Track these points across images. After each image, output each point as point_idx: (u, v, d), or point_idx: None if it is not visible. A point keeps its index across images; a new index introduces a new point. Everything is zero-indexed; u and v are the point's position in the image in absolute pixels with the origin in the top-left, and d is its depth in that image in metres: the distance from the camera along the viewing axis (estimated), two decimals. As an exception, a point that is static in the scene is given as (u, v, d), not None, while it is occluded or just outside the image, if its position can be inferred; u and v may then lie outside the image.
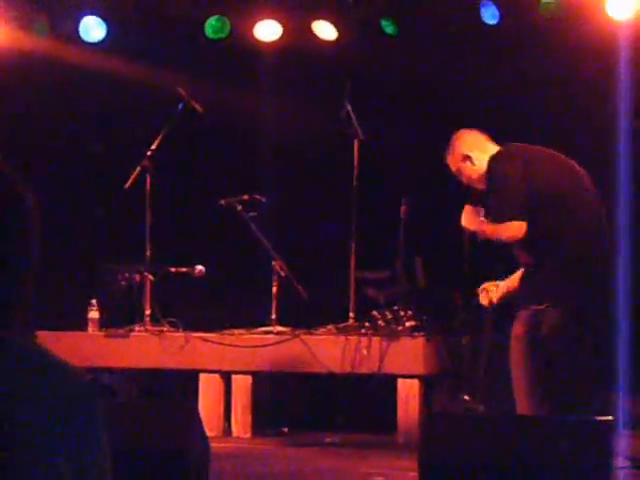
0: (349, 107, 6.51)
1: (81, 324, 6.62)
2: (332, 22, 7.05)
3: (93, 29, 7.21)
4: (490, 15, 6.84)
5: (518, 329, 4.96)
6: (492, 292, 5.28)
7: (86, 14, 7.20)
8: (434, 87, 7.14)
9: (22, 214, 1.49)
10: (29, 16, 7.21)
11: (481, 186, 5.13)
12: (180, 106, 6.53)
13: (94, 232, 7.48)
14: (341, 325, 6.39)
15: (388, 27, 7.03)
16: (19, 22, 7.16)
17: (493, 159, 5.10)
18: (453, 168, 5.22)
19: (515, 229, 4.99)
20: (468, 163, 5.15)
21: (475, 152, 5.15)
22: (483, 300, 5.34)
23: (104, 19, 7.22)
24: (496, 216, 5.05)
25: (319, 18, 7.06)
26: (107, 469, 1.49)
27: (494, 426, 3.68)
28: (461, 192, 6.97)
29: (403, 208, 6.74)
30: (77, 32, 7.22)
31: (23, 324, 1.50)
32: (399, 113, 7.24)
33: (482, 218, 5.15)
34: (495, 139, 5.25)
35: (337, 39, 7.06)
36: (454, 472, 3.60)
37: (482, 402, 5.67)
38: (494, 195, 5.06)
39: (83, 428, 1.44)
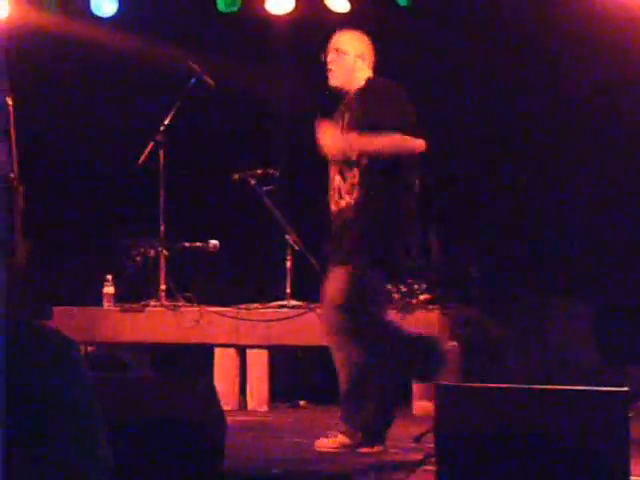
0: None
1: (97, 299, 6.65)
2: (345, -5, 7.02)
3: (105, 4, 7.20)
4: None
5: None
6: None
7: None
8: (447, 59, 7.11)
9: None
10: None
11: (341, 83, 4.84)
12: (192, 80, 6.52)
13: (109, 208, 7.49)
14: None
15: (401, -1, 7.00)
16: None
17: (386, 82, 4.88)
18: (338, 45, 4.89)
19: (421, 144, 4.73)
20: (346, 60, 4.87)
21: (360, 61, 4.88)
22: None
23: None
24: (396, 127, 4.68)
25: (332, -9, 7.03)
26: (93, 428, 1.49)
27: (508, 397, 3.69)
28: (484, 166, 6.99)
29: (418, 181, 6.72)
30: (89, 7, 7.22)
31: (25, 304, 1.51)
32: (411, 85, 7.21)
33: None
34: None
35: (350, 11, 7.02)
36: (470, 443, 3.60)
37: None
38: (394, 106, 4.77)
39: (63, 373, 1.45)
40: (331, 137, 4.77)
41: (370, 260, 4.71)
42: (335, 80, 4.87)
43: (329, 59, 4.86)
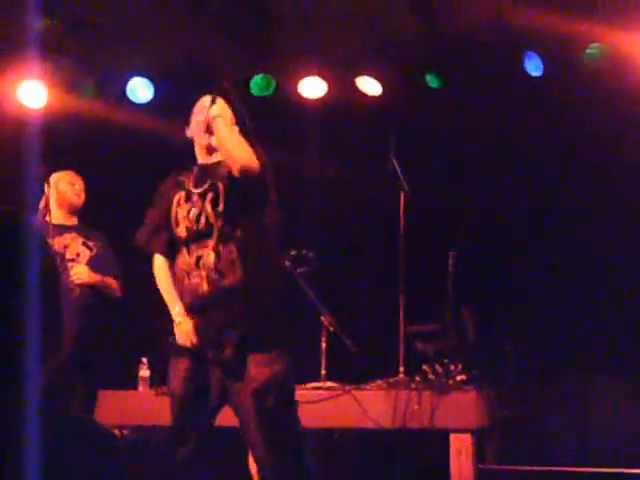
0: (394, 161, 6.53)
1: (132, 382, 6.66)
2: (376, 77, 7.10)
3: (140, 90, 7.31)
4: (534, 67, 6.85)
5: None
6: None
7: (133, 75, 7.32)
8: (479, 139, 7.15)
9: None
10: (76, 79, 7.34)
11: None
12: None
13: (145, 295, 7.52)
14: (391, 380, 6.35)
15: (433, 81, 7.07)
16: (67, 85, 7.29)
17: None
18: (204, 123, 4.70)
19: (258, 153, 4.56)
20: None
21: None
22: None
23: (151, 80, 7.33)
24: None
25: (363, 74, 7.12)
26: None
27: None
28: (506, 244, 6.99)
29: (451, 260, 6.73)
30: (124, 93, 7.33)
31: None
32: (444, 165, 7.25)
33: None
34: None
35: (382, 94, 7.10)
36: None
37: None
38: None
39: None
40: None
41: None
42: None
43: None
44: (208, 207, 4.50)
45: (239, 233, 4.43)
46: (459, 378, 6.17)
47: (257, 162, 4.44)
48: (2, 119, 7.20)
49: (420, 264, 6.76)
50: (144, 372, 6.65)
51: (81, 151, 7.39)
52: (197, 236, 4.49)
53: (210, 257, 4.43)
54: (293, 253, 6.55)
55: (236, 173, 4.41)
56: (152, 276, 7.44)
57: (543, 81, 6.87)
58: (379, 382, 6.35)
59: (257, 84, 7.28)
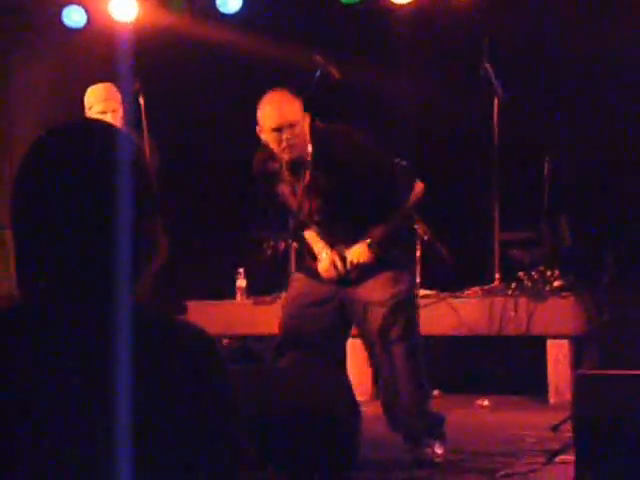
0: (487, 66, 6.42)
1: (230, 293, 6.75)
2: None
3: (230, 1, 7.29)
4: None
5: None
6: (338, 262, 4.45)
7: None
8: (575, 45, 6.97)
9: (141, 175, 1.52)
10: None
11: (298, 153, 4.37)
12: (317, 73, 6.54)
13: (239, 203, 7.58)
14: (487, 287, 6.34)
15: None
16: (158, -1, 7.30)
17: (349, 132, 4.50)
18: (291, 118, 4.35)
19: (421, 189, 4.61)
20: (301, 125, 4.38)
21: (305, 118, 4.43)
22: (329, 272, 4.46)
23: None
24: (404, 184, 4.54)
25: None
26: (235, 421, 1.51)
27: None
28: (603, 146, 6.84)
29: (546, 166, 6.63)
30: (214, 5, 7.31)
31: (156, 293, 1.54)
32: (539, 69, 7.10)
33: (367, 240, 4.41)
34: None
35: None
36: (608, 431, 3.54)
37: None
38: (385, 163, 4.52)
39: (206, 383, 1.47)
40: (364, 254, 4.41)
41: None
42: (297, 151, 4.39)
43: (287, 137, 4.33)
44: None
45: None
46: (556, 284, 6.13)
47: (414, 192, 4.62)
48: (94, 33, 7.25)
49: (515, 170, 6.67)
50: (241, 282, 6.74)
51: (172, 65, 7.42)
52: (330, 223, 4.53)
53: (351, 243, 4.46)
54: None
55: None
56: (245, 191, 7.51)
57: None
58: (475, 289, 6.34)
59: (346, -9, 7.19)
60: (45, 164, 1.49)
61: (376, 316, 4.38)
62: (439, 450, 4.40)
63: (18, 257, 1.49)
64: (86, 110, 5.45)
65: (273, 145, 4.39)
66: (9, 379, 1.42)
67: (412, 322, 4.47)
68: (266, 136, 4.39)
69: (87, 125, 1.62)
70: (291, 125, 4.32)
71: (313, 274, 4.51)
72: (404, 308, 4.41)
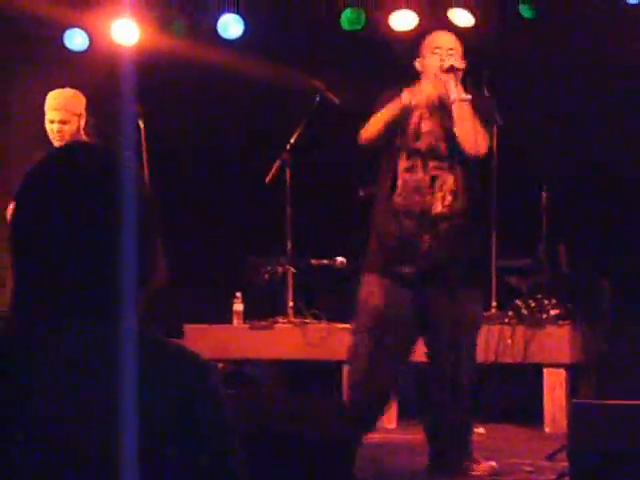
0: (487, 94, 6.44)
1: (227, 317, 6.74)
2: (468, 8, 6.98)
3: (231, 26, 7.31)
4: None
5: None
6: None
7: (224, 12, 7.31)
8: (573, 71, 7.00)
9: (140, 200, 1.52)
10: (168, 16, 7.36)
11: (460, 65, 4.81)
12: (317, 98, 6.57)
13: (237, 226, 7.59)
14: (484, 314, 6.33)
15: (526, 11, 6.93)
16: (159, 23, 7.31)
17: None
18: (453, 45, 4.90)
19: (487, 141, 4.72)
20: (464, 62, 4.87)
21: None
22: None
23: (242, 16, 7.32)
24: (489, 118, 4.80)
25: (455, 5, 7.00)
26: (229, 444, 1.50)
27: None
28: (599, 177, 6.86)
29: (544, 194, 6.64)
30: (215, 30, 7.34)
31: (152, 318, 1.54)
32: (539, 98, 7.13)
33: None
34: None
35: (474, 25, 6.98)
36: (604, 461, 3.53)
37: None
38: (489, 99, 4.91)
39: (201, 408, 1.47)
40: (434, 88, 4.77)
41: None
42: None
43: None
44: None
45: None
46: (553, 312, 6.12)
47: (486, 146, 4.71)
48: (96, 57, 7.27)
49: (513, 198, 6.68)
50: (238, 306, 6.73)
51: (173, 88, 7.44)
52: (437, 155, 4.67)
53: (449, 178, 4.65)
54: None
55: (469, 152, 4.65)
56: (242, 215, 7.52)
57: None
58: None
59: (347, 18, 7.22)
60: (45, 187, 1.49)
61: None
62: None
63: (19, 280, 1.49)
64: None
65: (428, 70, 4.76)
66: (13, 396, 1.42)
67: None
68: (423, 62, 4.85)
69: (88, 148, 1.63)
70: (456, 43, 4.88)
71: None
72: None
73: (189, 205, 7.58)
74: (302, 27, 7.40)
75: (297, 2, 7.30)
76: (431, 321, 4.60)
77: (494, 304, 6.39)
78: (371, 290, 4.66)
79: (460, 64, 4.79)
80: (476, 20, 6.96)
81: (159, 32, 7.29)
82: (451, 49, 4.83)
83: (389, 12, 7.14)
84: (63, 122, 5.17)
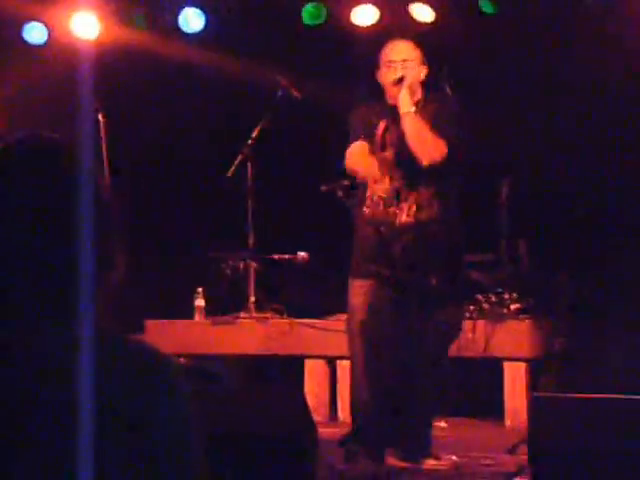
0: (448, 89, 6.45)
1: (188, 312, 6.72)
2: (429, 4, 6.99)
3: (192, 20, 7.28)
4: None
5: None
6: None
7: (185, 5, 7.28)
8: (532, 68, 7.04)
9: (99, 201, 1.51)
10: (128, 10, 7.32)
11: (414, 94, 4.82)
12: (279, 93, 6.56)
13: (198, 221, 7.56)
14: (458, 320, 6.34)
15: (486, 6, 6.95)
16: (119, 17, 7.27)
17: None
18: (406, 56, 4.89)
19: (442, 147, 4.70)
20: (422, 68, 4.92)
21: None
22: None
23: (202, 9, 7.29)
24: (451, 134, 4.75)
25: (416, 0, 7.01)
26: (190, 441, 1.49)
27: (603, 409, 3.62)
28: (560, 171, 6.90)
29: (504, 189, 6.67)
30: (176, 23, 7.31)
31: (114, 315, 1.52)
32: (498, 94, 7.15)
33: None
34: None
35: (434, 20, 6.99)
36: (564, 456, 3.55)
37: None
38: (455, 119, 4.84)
39: (161, 401, 1.45)
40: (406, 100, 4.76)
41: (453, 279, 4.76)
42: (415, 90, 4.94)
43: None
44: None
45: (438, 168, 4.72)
46: (513, 307, 6.16)
47: (441, 152, 4.68)
48: (56, 50, 7.21)
49: (473, 193, 6.70)
50: (199, 302, 6.71)
51: (133, 82, 7.40)
52: (402, 165, 4.72)
53: (415, 188, 4.71)
54: (346, 183, 6.53)
55: (423, 162, 4.68)
56: (204, 210, 7.50)
57: (599, 9, 6.71)
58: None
59: (308, 12, 7.21)
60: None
61: None
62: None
63: None
64: None
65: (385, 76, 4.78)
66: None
67: None
68: (380, 73, 4.84)
69: (43, 140, 1.59)
70: (407, 64, 4.83)
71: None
72: None
73: (150, 200, 7.54)
74: (264, 21, 7.38)
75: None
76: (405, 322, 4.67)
77: (455, 298, 6.41)
78: (354, 292, 4.72)
79: (412, 74, 4.82)
80: (437, 15, 6.97)
81: (119, 25, 7.25)
82: (404, 60, 4.86)
83: (350, 7, 7.14)
84: None
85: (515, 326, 6.08)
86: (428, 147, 4.67)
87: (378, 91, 4.97)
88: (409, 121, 4.71)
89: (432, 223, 4.70)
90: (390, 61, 4.86)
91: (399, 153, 4.74)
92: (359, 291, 4.71)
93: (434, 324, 4.63)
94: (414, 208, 4.70)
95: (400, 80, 4.77)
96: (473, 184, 6.67)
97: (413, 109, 4.73)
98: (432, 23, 6.98)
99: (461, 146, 4.80)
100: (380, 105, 4.90)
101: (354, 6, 7.12)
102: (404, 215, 4.70)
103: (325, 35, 7.24)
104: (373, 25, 7.12)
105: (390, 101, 4.85)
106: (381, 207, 4.73)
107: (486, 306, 6.16)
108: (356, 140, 4.83)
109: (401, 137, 4.75)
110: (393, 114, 4.79)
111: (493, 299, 6.20)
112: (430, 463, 4.65)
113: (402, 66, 4.83)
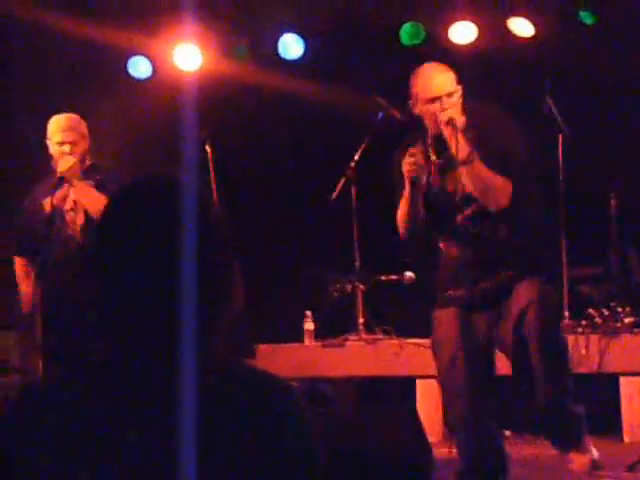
0: (550, 102, 6.39)
1: (297, 336, 6.76)
2: (528, 18, 6.95)
3: (292, 46, 7.35)
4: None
5: None
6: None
7: (284, 32, 7.36)
8: (635, 77, 6.93)
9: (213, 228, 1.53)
10: (230, 40, 7.43)
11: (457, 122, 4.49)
12: (380, 115, 6.57)
13: (304, 244, 7.61)
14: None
15: (587, 17, 6.87)
16: (221, 48, 7.38)
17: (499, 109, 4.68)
18: (450, 88, 4.56)
19: (507, 187, 4.43)
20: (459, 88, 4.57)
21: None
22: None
23: (301, 35, 7.36)
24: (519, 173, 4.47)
25: (514, 15, 6.97)
26: (316, 466, 1.50)
27: None
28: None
29: (613, 201, 6.57)
30: (276, 51, 7.39)
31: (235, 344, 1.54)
32: (602, 105, 7.06)
33: None
34: None
35: (534, 35, 6.94)
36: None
37: None
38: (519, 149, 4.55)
39: (289, 434, 1.46)
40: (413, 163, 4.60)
41: None
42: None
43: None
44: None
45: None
46: (627, 320, 6.04)
47: (507, 193, 4.47)
48: (159, 82, 7.35)
49: (581, 206, 6.62)
50: (309, 325, 6.74)
51: (236, 111, 7.50)
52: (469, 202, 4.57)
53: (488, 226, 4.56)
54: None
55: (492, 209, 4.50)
56: (311, 233, 7.54)
57: None
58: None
59: (406, 32, 7.22)
60: (117, 222, 1.51)
61: None
62: None
63: (101, 306, 1.51)
64: (47, 139, 5.16)
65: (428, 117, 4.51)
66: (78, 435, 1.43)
67: None
68: (421, 108, 4.54)
69: (159, 180, 1.62)
70: (449, 96, 4.51)
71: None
72: None
73: (258, 225, 7.62)
74: (362, 44, 7.41)
75: (356, 19, 7.32)
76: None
77: (567, 314, 6.32)
78: (438, 322, 4.76)
79: (459, 109, 4.55)
80: (536, 29, 6.92)
81: (221, 56, 7.36)
82: (449, 94, 4.55)
83: (447, 25, 7.12)
84: (73, 143, 5.09)
85: (630, 340, 5.96)
86: (492, 195, 4.46)
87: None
88: (468, 173, 4.47)
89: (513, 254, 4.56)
90: (433, 98, 4.53)
91: (464, 192, 4.56)
92: (442, 321, 4.73)
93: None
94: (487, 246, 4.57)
95: (450, 122, 4.46)
96: (581, 197, 6.61)
97: (471, 159, 4.44)
98: (532, 37, 6.93)
99: (528, 170, 4.57)
100: (420, 144, 4.67)
101: (452, 24, 7.11)
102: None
103: (424, 54, 7.23)
104: (472, 43, 7.09)
105: (432, 131, 4.58)
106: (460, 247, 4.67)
107: (599, 321, 6.06)
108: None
109: (459, 182, 4.56)
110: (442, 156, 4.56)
111: (606, 313, 6.10)
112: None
113: (447, 103, 4.52)
